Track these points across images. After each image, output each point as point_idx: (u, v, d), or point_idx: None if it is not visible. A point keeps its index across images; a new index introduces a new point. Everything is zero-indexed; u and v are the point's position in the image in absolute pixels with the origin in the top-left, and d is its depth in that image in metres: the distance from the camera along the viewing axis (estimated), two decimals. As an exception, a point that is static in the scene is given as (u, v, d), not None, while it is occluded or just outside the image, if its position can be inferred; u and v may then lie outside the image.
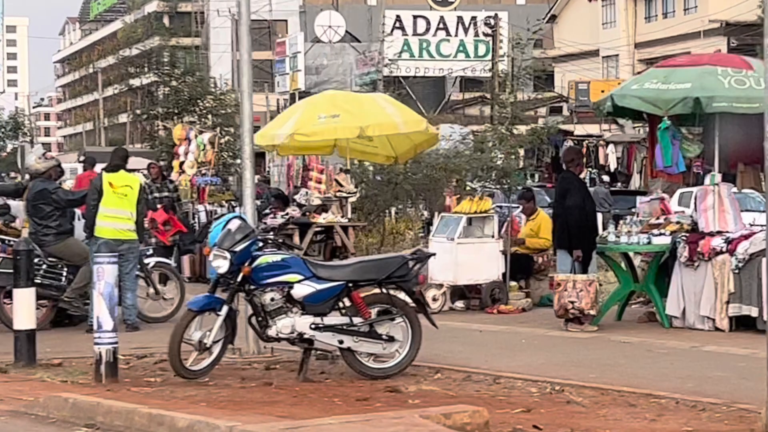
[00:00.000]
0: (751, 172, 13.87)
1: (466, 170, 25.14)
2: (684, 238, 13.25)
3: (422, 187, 22.88)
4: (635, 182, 38.74)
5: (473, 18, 56.35)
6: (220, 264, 10.31)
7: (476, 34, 54.78)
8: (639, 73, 29.80)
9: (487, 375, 10.73)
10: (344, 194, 16.98)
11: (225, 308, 10.32)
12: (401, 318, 10.67)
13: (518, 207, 17.87)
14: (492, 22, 52.43)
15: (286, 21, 79.42)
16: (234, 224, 10.44)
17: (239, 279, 10.33)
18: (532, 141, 31.04)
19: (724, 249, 12.94)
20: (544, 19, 68.96)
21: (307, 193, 17.39)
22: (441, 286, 15.00)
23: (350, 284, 10.57)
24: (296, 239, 16.43)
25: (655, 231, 13.47)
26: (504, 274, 15.31)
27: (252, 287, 10.42)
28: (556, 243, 13.70)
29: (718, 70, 13.24)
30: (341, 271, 10.69)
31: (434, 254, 11.81)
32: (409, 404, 9.38)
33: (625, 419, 8.93)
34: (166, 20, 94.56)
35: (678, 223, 13.56)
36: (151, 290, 14.52)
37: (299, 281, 10.44)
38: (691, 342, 12.42)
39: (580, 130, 47.30)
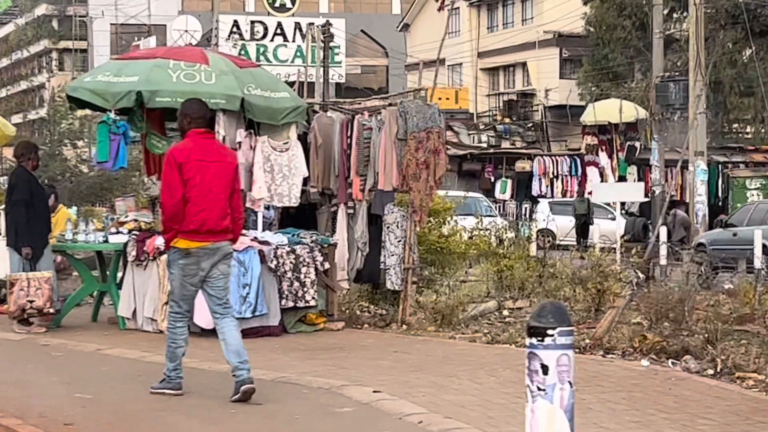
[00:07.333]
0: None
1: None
2: (135, 236, 12.76)
3: (98, 186, 22.34)
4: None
5: (311, 24, 55.85)
6: None
7: (313, 40, 54.29)
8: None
9: None
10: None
11: None
12: None
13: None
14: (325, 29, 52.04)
15: (165, 26, 78.76)
16: None
17: None
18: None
19: (166, 248, 12.43)
20: (398, 27, 68.95)
21: None
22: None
23: None
24: None
25: (113, 229, 12.98)
26: (13, 273, 14.70)
27: None
28: (6, 240, 13.17)
29: (170, 63, 12.73)
30: None
31: None
32: None
33: None
34: (55, 23, 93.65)
35: (135, 221, 13.09)
36: None
37: None
38: (104, 345, 11.71)
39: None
